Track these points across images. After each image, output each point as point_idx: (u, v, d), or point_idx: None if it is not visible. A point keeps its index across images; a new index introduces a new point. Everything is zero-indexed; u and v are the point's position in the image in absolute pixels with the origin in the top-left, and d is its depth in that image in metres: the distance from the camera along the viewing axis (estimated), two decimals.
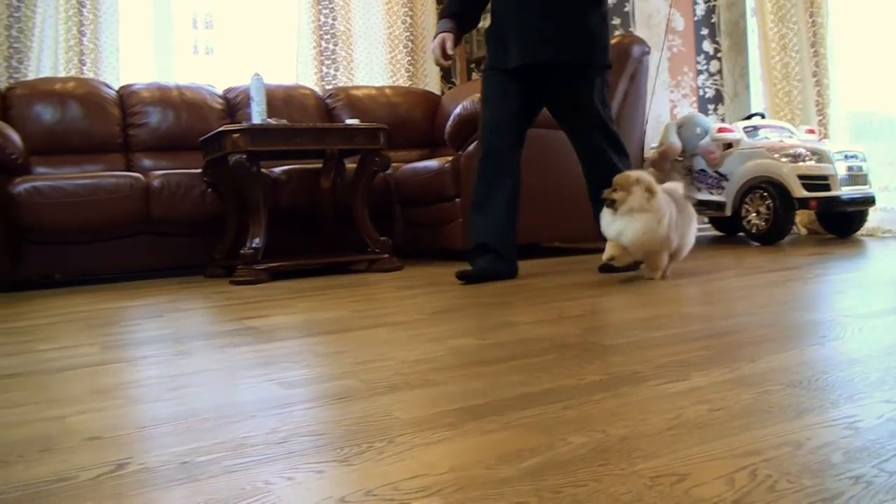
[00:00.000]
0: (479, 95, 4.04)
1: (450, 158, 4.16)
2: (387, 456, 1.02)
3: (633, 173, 2.74)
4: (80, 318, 2.62)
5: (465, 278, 3.04)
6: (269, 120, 3.76)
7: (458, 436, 1.09)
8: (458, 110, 4.08)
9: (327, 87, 5.71)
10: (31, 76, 4.99)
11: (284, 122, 3.82)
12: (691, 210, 2.93)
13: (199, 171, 4.18)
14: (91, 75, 5.13)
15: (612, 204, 2.72)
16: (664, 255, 2.81)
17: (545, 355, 1.60)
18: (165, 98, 4.91)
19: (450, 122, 4.13)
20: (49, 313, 2.85)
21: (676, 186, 2.92)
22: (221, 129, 3.62)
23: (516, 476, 0.92)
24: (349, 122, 4.16)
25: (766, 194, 4.21)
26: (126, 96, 4.91)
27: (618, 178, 2.74)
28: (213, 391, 1.45)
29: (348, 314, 2.39)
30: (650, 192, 2.67)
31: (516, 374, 1.44)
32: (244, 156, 3.51)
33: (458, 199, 4.10)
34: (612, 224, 2.74)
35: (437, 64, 3.36)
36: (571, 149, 3.24)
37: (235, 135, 3.54)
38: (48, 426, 1.25)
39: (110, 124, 4.75)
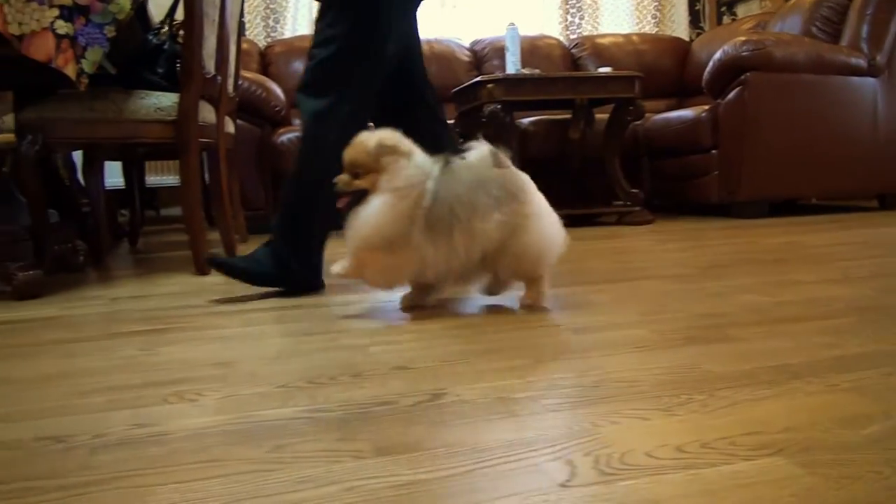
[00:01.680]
0: (741, 39, 3.81)
1: (706, 107, 3.94)
2: (712, 409, 0.95)
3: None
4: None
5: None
6: (523, 70, 3.73)
7: (782, 394, 1.00)
8: (718, 55, 3.84)
9: (572, 37, 5.59)
10: (287, 35, 5.29)
11: (538, 71, 3.77)
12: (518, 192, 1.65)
13: (451, 122, 4.24)
14: None
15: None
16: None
17: (844, 317, 1.45)
18: None
19: (709, 68, 3.91)
20: None
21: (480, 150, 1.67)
22: (477, 79, 3.64)
23: (861, 443, 0.82)
24: (602, 70, 4.04)
25: None
26: None
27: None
28: (501, 332, 1.44)
29: (613, 266, 2.32)
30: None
31: (821, 335, 1.32)
32: (499, 106, 3.51)
33: (714, 151, 3.88)
34: None
35: None
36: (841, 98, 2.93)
37: (490, 85, 3.54)
38: (353, 354, 1.30)
39: None
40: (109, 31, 2.19)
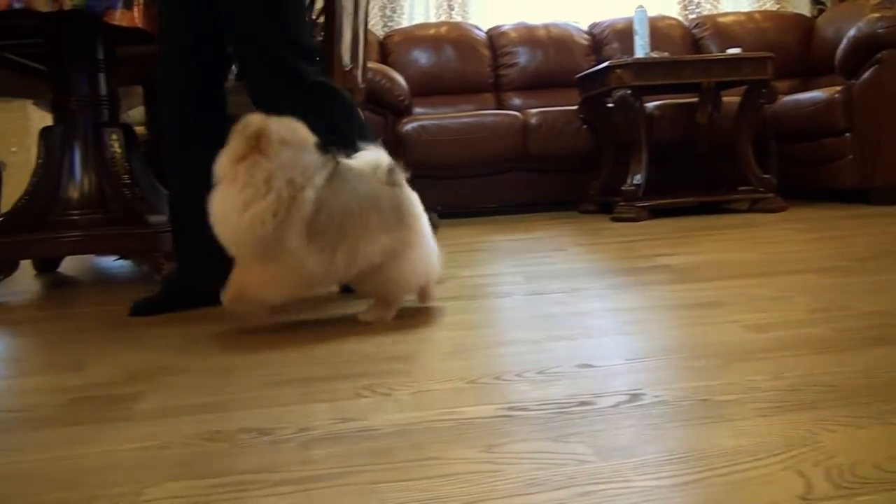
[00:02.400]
0: (875, 15, 3.62)
1: (839, 88, 3.76)
2: None
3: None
4: (485, 248, 2.74)
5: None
6: (651, 53, 3.64)
7: None
8: (851, 33, 3.66)
9: (691, 17, 5.44)
10: (404, 24, 5.32)
11: (666, 54, 3.68)
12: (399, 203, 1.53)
13: (574, 108, 4.19)
14: (458, 19, 5.35)
15: None
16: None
17: None
18: (533, 37, 4.97)
19: (842, 47, 3.72)
20: (453, 243, 3.02)
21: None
22: (605, 64, 3.58)
23: None
24: (731, 51, 3.91)
25: None
26: (496, 37, 5.05)
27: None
28: (672, 328, 1.40)
29: (760, 257, 2.24)
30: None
31: None
32: (629, 91, 3.44)
33: (847, 134, 3.70)
34: None
35: None
36: None
37: (620, 70, 3.48)
38: (530, 350, 1.29)
39: (482, 65, 4.93)
40: None
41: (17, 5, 2.07)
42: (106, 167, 2.41)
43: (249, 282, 1.47)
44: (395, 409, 1.01)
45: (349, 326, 1.55)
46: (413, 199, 1.55)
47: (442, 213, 4.60)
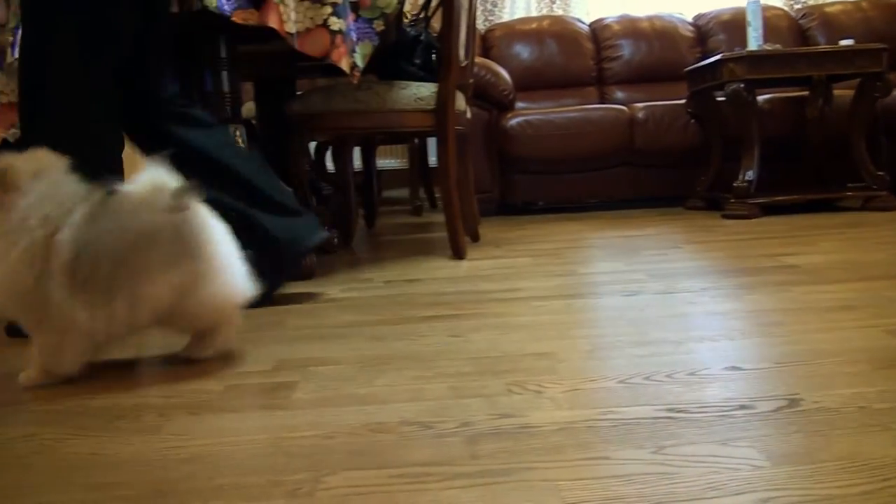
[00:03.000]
0: None
1: None
2: None
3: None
4: (597, 245, 2.73)
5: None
6: (764, 46, 3.56)
7: None
8: None
9: (796, 6, 5.28)
10: (505, 17, 5.32)
11: (778, 46, 3.59)
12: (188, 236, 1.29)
13: (681, 101, 4.12)
14: (560, 12, 5.32)
15: None
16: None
17: None
18: (637, 30, 4.91)
19: None
20: (562, 239, 3.02)
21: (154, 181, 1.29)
22: (717, 57, 3.51)
23: None
24: (843, 43, 3.78)
25: None
26: (599, 30, 5.00)
27: None
28: (812, 332, 1.38)
29: (886, 257, 2.17)
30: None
31: None
32: (741, 84, 3.37)
33: None
34: None
35: None
36: None
37: (732, 63, 3.41)
38: (673, 350, 1.29)
39: (585, 59, 4.89)
40: (378, 26, 2.28)
41: None
42: None
43: (37, 353, 1.27)
44: (551, 407, 1.02)
45: (486, 321, 1.58)
46: (206, 223, 1.31)
47: (546, 207, 4.61)
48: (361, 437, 0.97)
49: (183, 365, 1.38)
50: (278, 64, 3.31)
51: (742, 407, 0.99)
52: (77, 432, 1.05)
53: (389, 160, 5.48)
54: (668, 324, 1.48)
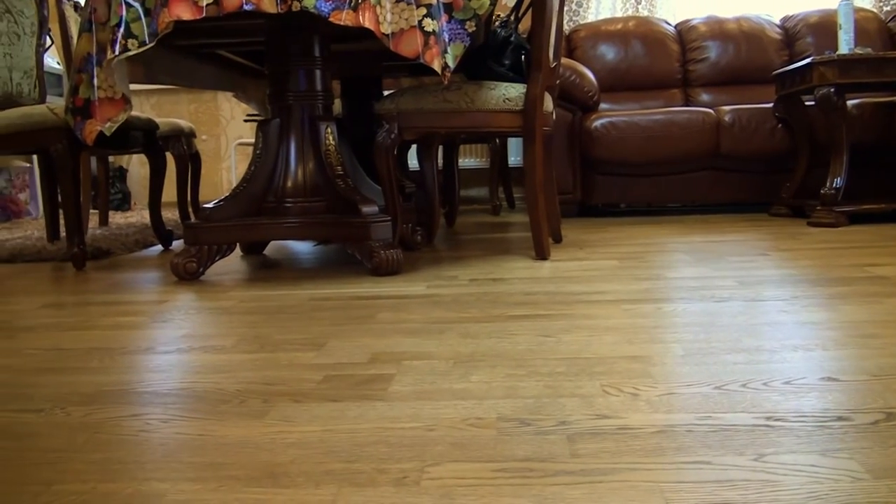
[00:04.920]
0: None
1: None
2: None
3: None
4: (682, 249, 2.72)
5: None
6: (856, 49, 3.47)
7: None
8: None
9: (886, 8, 5.12)
10: (590, 18, 5.30)
11: (869, 50, 3.49)
12: None
13: (769, 105, 4.05)
14: (645, 13, 5.27)
15: None
16: None
17: None
18: (724, 31, 4.83)
19: None
20: (646, 242, 3.00)
21: None
22: (807, 60, 3.44)
23: None
24: None
25: None
26: (685, 32, 4.94)
27: None
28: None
29: None
30: None
31: None
32: (832, 89, 3.30)
33: None
34: None
35: None
36: None
37: (823, 66, 3.34)
38: (765, 358, 1.29)
39: (670, 60, 4.84)
40: (470, 27, 2.31)
41: (247, 7, 2.22)
42: (321, 158, 2.56)
43: None
44: (648, 410, 1.04)
45: (576, 322, 1.60)
46: None
47: (627, 210, 4.58)
48: (461, 430, 1.00)
49: (283, 352, 1.44)
50: (367, 63, 3.39)
51: (840, 418, 0.99)
52: (183, 414, 1.11)
53: (469, 159, 5.52)
54: (761, 331, 1.47)
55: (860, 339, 1.41)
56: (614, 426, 0.99)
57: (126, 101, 2.40)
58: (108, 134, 2.40)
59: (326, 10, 2.23)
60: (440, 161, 4.40)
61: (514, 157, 5.17)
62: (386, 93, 3.28)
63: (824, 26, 4.72)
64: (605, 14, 5.27)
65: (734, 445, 0.91)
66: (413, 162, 4.88)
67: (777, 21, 4.98)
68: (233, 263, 2.78)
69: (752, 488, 0.80)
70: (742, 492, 0.79)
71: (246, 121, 5.08)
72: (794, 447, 0.90)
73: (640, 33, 4.87)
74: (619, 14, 5.27)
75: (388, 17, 2.27)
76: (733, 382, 1.15)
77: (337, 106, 3.77)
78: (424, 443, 0.96)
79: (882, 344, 1.37)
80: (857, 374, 1.18)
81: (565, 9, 5.22)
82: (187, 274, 2.40)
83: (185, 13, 2.12)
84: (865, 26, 4.74)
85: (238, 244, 3.08)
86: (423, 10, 2.27)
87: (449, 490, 0.83)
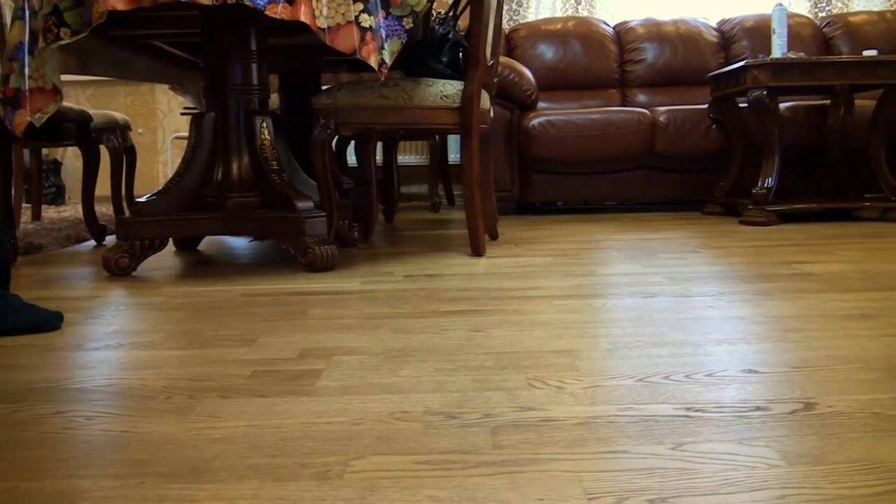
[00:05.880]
0: None
1: None
2: None
3: None
4: (616, 247, 2.75)
5: None
6: (789, 53, 3.56)
7: None
8: None
9: (821, 14, 5.28)
10: (530, 17, 5.34)
11: (802, 54, 3.59)
12: None
13: (704, 106, 4.14)
14: (585, 14, 5.33)
15: None
16: None
17: None
18: (661, 33, 4.92)
19: None
20: (582, 240, 3.04)
21: None
22: (741, 63, 3.52)
23: None
24: (867, 53, 3.77)
25: None
26: (623, 33, 5.01)
27: None
28: (828, 339, 1.40)
29: None
30: None
31: None
32: (764, 91, 3.38)
33: None
34: None
35: None
36: None
37: (756, 69, 3.42)
38: (691, 352, 1.31)
39: (608, 61, 4.90)
40: (407, 23, 2.31)
41: None
42: (255, 153, 2.53)
43: None
44: (572, 402, 1.05)
45: (507, 318, 1.61)
46: None
47: (564, 208, 4.63)
48: (387, 424, 1.00)
49: (212, 348, 1.41)
50: (305, 57, 3.36)
51: (758, 408, 1.02)
52: (108, 411, 1.09)
53: (409, 156, 5.51)
54: (686, 326, 1.50)
55: (783, 332, 1.44)
56: (537, 418, 0.99)
57: (57, 92, 2.33)
58: (37, 125, 2.33)
59: (262, 2, 2.20)
60: (379, 157, 4.38)
61: (454, 155, 5.17)
62: (325, 87, 3.26)
63: (760, 30, 4.84)
64: (545, 14, 5.31)
65: (654, 435, 0.93)
66: (352, 158, 4.85)
67: (714, 24, 5.09)
68: (166, 259, 2.73)
69: (670, 476, 0.81)
70: (660, 479, 0.80)
71: (183, 114, 4.99)
72: (712, 436, 0.92)
73: (580, 33, 4.92)
74: (558, 14, 5.32)
75: (325, 11, 2.25)
76: (656, 375, 1.17)
77: (275, 100, 3.73)
78: (350, 437, 0.96)
79: (804, 338, 1.40)
80: (777, 367, 1.21)
81: (505, 8, 5.25)
82: (119, 269, 2.35)
83: (120, 3, 2.07)
84: (800, 31, 4.87)
85: (172, 239, 3.03)
86: (360, 6, 2.26)
87: (371, 483, 0.82)
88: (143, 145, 5.95)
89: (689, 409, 1.02)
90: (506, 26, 5.22)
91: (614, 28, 5.06)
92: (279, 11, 2.20)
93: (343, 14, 2.27)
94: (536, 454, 0.88)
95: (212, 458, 0.91)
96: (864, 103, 3.91)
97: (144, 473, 0.87)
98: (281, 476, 0.85)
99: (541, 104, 4.68)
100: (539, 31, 4.93)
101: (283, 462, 0.89)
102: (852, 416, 0.99)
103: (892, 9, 5.29)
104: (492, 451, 0.89)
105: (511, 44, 4.96)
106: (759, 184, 3.51)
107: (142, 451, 0.93)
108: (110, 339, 1.52)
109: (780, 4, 3.62)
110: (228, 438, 0.97)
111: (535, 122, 4.12)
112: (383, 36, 2.31)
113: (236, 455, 0.91)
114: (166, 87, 5.02)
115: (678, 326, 1.50)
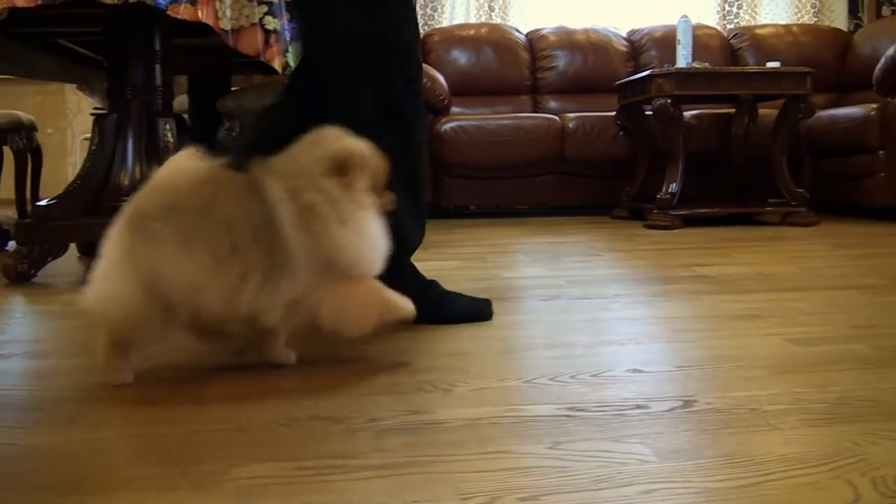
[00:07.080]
0: None
1: (874, 106, 3.77)
2: None
3: None
4: (523, 250, 2.80)
5: None
6: (693, 63, 3.68)
7: None
8: (890, 52, 3.67)
9: (729, 27, 5.47)
10: (444, 23, 5.38)
11: (706, 65, 3.71)
12: None
13: (612, 113, 4.23)
14: (499, 20, 5.40)
15: None
16: None
17: None
18: (572, 41, 5.01)
19: (881, 65, 3.74)
20: (490, 243, 3.07)
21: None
22: (647, 72, 3.62)
23: None
24: (770, 65, 3.93)
25: None
26: (535, 40, 5.09)
27: None
28: (717, 338, 1.45)
29: (797, 271, 2.28)
30: None
31: None
32: (668, 100, 3.48)
33: (881, 152, 3.72)
34: None
35: None
36: None
37: (661, 79, 3.52)
38: (582, 353, 1.34)
39: (521, 67, 4.98)
40: None
41: None
42: (158, 155, 2.48)
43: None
44: (459, 404, 1.06)
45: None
46: None
47: (477, 212, 4.67)
48: (271, 430, 0.99)
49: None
50: (214, 58, 3.30)
51: (638, 406, 1.05)
52: None
53: None
54: (580, 328, 1.53)
55: (673, 333, 1.49)
56: (423, 421, 1.00)
57: None
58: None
59: (164, 2, 2.16)
60: None
61: None
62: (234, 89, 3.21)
63: (668, 41, 4.95)
64: (459, 20, 5.35)
65: (534, 435, 0.94)
66: None
67: (624, 34, 5.22)
68: (69, 265, 2.64)
69: (544, 474, 0.83)
70: (534, 478, 0.82)
71: (93, 115, 4.85)
72: (589, 434, 0.94)
73: (493, 40, 4.98)
74: (472, 20, 5.37)
75: (228, 13, 2.23)
76: (543, 376, 1.19)
77: (184, 102, 3.66)
78: (232, 444, 0.95)
79: (694, 338, 1.45)
80: (662, 366, 1.25)
81: (420, 13, 5.27)
82: (18, 276, 2.27)
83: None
84: (708, 42, 5.03)
85: (75, 244, 2.94)
86: (265, 8, 2.24)
87: (247, 490, 0.82)
88: (52, 146, 5.75)
89: (570, 408, 1.04)
90: (419, 31, 5.23)
91: (527, 35, 5.14)
92: (181, 12, 2.16)
93: (247, 16, 2.25)
94: (416, 456, 0.89)
95: (92, 468, 0.89)
96: (768, 112, 4.06)
97: (23, 486, 0.84)
98: (162, 486, 0.83)
99: (454, 109, 4.71)
100: (453, 37, 4.97)
101: (165, 471, 0.88)
102: (729, 413, 1.02)
103: (798, 22, 5.51)
104: (374, 455, 0.89)
105: (425, 49, 4.98)
106: (664, 189, 3.61)
107: (25, 464, 0.91)
108: (3, 348, 1.47)
109: (686, 16, 3.73)
110: (110, 450, 0.95)
111: (447, 126, 4.15)
112: (288, 39, 2.30)
113: (118, 465, 0.90)
114: (75, 86, 4.86)
115: (572, 328, 1.53)
